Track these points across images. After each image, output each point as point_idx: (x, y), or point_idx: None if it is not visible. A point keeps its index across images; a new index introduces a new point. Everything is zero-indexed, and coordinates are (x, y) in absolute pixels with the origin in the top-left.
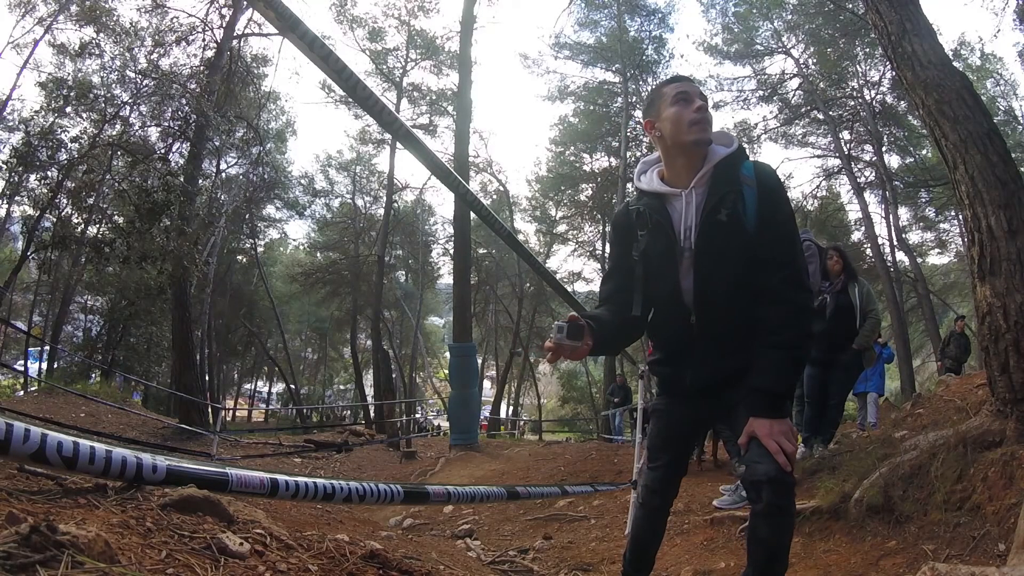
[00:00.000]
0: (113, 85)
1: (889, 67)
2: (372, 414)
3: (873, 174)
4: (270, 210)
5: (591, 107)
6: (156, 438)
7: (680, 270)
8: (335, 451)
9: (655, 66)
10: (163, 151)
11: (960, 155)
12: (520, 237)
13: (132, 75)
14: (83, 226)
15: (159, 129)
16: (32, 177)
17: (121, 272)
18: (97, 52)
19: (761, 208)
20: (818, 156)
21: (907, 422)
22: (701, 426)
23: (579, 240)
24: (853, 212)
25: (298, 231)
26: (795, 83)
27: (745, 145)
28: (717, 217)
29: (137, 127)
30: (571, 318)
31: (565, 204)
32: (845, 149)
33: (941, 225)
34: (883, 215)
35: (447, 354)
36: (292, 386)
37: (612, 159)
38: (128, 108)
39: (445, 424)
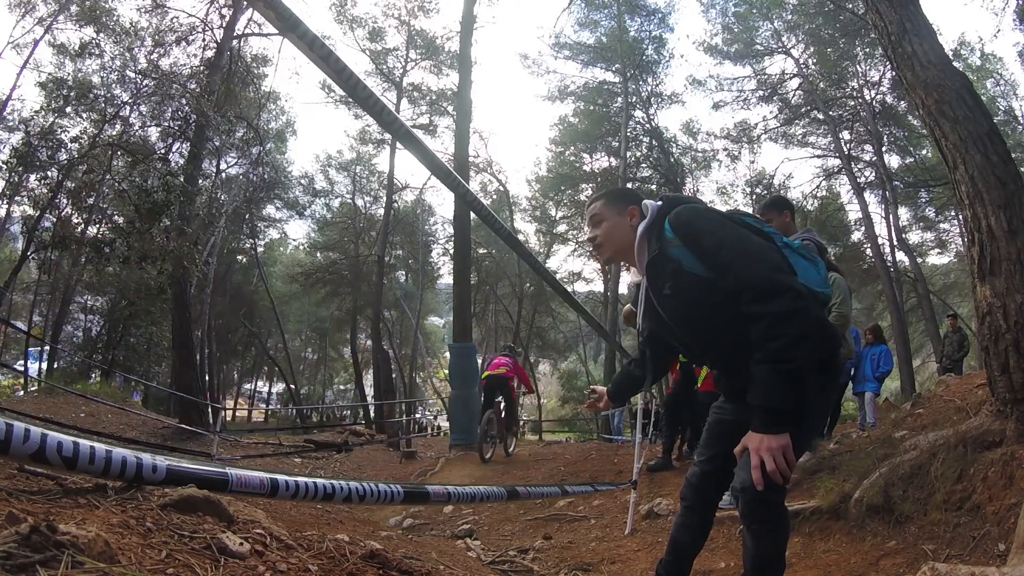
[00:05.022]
0: (113, 85)
1: (889, 67)
2: (372, 414)
3: (873, 174)
4: (270, 210)
5: (591, 107)
6: (156, 438)
7: (683, 336)
8: (335, 451)
9: (655, 66)
10: (163, 151)
11: (960, 155)
12: (520, 237)
13: (132, 75)
14: (83, 226)
15: (159, 129)
16: (32, 177)
17: (121, 272)
18: (97, 52)
19: (695, 253)
20: (818, 156)
21: (907, 422)
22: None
23: (579, 240)
24: (853, 212)
25: (298, 231)
26: (795, 83)
27: (672, 194)
28: (663, 294)
29: (137, 127)
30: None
31: (565, 204)
32: (845, 149)
33: (941, 225)
34: (883, 215)
35: (447, 354)
36: (292, 386)
37: (612, 159)
38: (128, 108)
39: (445, 424)
